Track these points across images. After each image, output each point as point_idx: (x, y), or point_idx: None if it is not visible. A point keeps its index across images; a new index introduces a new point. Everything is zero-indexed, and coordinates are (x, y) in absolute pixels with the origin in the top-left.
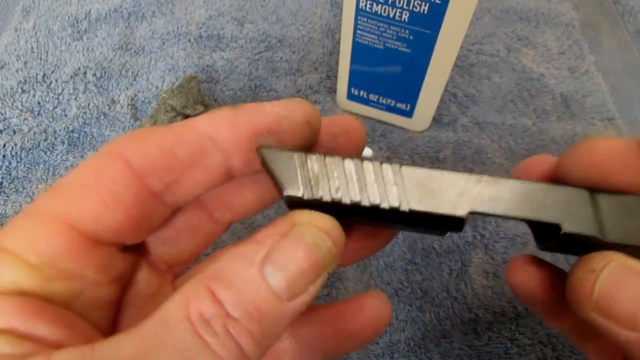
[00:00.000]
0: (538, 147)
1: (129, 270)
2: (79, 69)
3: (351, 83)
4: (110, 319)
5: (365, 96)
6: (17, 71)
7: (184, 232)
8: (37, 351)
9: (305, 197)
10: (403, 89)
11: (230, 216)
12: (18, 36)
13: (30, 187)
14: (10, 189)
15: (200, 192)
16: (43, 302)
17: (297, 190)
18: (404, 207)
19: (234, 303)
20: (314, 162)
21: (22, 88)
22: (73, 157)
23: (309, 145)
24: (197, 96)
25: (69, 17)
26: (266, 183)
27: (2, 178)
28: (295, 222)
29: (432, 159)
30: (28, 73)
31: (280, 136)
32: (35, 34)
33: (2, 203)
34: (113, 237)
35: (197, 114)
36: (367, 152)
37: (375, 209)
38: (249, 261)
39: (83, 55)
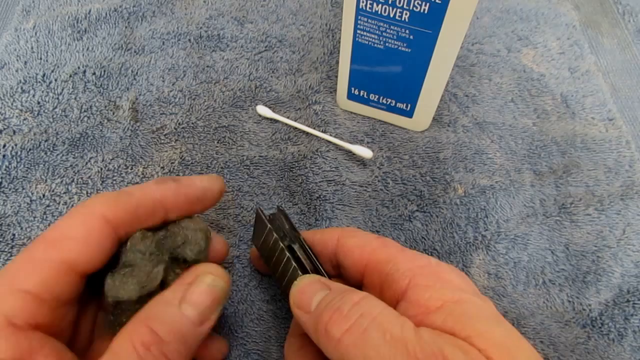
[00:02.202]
0: (538, 147)
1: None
2: (79, 68)
3: (351, 83)
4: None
5: (365, 96)
6: (17, 71)
7: None
8: None
9: (257, 247)
10: (403, 89)
11: None
12: (18, 36)
13: (30, 187)
14: (10, 189)
15: None
16: (42, 335)
17: (256, 242)
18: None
19: (165, 332)
20: (270, 236)
21: (22, 88)
22: (73, 158)
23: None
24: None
25: (69, 17)
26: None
27: (2, 178)
28: (197, 273)
29: (433, 160)
30: (28, 73)
31: (204, 203)
32: (35, 33)
33: (2, 203)
34: (91, 271)
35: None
36: (367, 153)
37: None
38: (170, 303)
39: (83, 55)
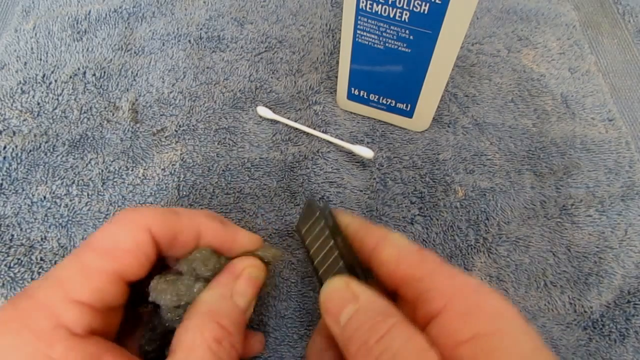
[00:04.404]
0: (538, 148)
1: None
2: (79, 69)
3: (351, 83)
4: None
5: (365, 96)
6: (16, 72)
7: None
8: None
9: (299, 232)
10: (403, 89)
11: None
12: (18, 37)
13: (30, 188)
14: (10, 191)
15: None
16: (102, 339)
17: (300, 227)
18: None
19: (229, 324)
20: (317, 223)
21: (21, 89)
22: (73, 159)
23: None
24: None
25: (68, 18)
26: None
27: (2, 179)
28: (242, 267)
29: (433, 161)
30: (28, 74)
31: (232, 253)
32: (35, 34)
33: (2, 204)
34: (136, 280)
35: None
36: (368, 153)
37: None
38: (226, 297)
39: (83, 55)
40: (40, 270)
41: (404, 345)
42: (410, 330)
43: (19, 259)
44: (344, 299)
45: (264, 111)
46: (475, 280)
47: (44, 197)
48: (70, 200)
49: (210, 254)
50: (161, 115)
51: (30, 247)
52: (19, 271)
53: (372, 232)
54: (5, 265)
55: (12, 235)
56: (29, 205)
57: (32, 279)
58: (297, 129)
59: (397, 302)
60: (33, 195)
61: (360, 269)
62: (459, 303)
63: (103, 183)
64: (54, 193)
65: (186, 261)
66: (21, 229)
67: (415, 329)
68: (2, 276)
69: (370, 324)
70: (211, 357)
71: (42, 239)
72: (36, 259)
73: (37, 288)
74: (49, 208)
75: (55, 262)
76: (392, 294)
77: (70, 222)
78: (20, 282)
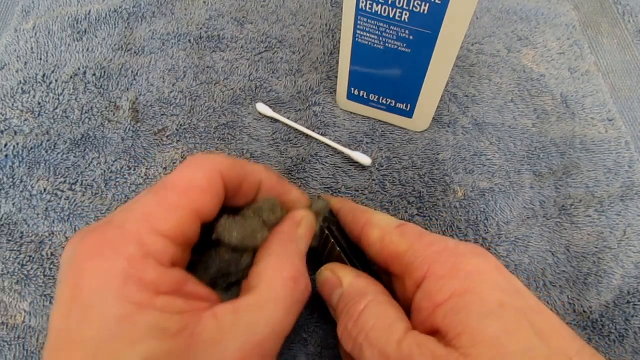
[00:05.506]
0: (538, 148)
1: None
2: (79, 69)
3: (351, 83)
4: None
5: (365, 96)
6: (17, 72)
7: None
8: (200, 306)
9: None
10: (403, 89)
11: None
12: (18, 37)
13: (32, 185)
14: (15, 190)
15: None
16: (182, 270)
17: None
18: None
19: (301, 265)
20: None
21: (22, 89)
22: (74, 157)
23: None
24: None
25: (69, 18)
26: None
27: (6, 179)
28: (302, 216)
29: (432, 161)
30: (28, 74)
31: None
32: (35, 34)
33: (4, 202)
34: (209, 220)
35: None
36: (366, 160)
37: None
38: (293, 241)
39: (83, 55)
40: (52, 265)
41: (374, 324)
42: (381, 307)
43: (30, 256)
44: (332, 285)
45: (263, 108)
46: (454, 243)
47: (44, 190)
48: (74, 195)
49: (277, 203)
50: (162, 115)
51: (40, 242)
52: (32, 268)
53: (359, 216)
54: (19, 263)
55: (22, 233)
56: (28, 198)
57: (44, 275)
58: (296, 129)
59: (393, 279)
60: (33, 188)
61: (357, 250)
62: (439, 267)
63: (106, 183)
64: (56, 190)
65: (253, 208)
66: (28, 226)
67: (388, 304)
68: (16, 274)
69: (347, 308)
70: (289, 293)
71: (49, 234)
72: (47, 254)
73: (124, 219)
74: (49, 201)
75: None
76: (388, 272)
77: (72, 215)
78: (34, 278)
